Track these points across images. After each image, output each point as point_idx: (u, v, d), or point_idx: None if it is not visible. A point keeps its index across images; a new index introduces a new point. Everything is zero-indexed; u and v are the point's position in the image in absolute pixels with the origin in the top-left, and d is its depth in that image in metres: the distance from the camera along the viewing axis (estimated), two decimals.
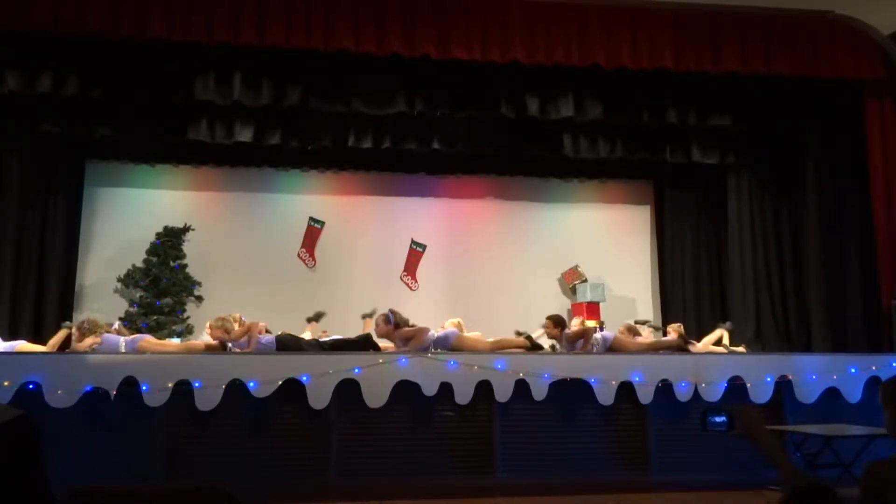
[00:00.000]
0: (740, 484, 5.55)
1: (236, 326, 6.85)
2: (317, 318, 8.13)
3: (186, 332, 9.10)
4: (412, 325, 6.87)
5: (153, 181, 9.89)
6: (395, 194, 10.32)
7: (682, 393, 6.41)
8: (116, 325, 7.72)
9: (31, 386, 5.64)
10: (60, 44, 6.99)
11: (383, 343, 7.01)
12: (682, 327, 8.35)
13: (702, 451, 6.16)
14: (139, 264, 9.30)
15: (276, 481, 5.88)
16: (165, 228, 9.46)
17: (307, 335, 7.54)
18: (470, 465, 6.20)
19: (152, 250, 9.35)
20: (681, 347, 7.44)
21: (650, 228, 10.81)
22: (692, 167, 9.31)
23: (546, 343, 7.54)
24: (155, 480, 5.76)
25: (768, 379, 6.54)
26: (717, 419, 2.12)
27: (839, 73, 7.72)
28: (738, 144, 9.07)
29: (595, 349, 7.17)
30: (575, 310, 9.91)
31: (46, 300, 8.74)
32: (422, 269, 10.20)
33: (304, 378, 5.95)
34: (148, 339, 6.90)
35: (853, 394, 6.62)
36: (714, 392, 6.45)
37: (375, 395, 6.00)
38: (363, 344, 6.81)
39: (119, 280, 9.27)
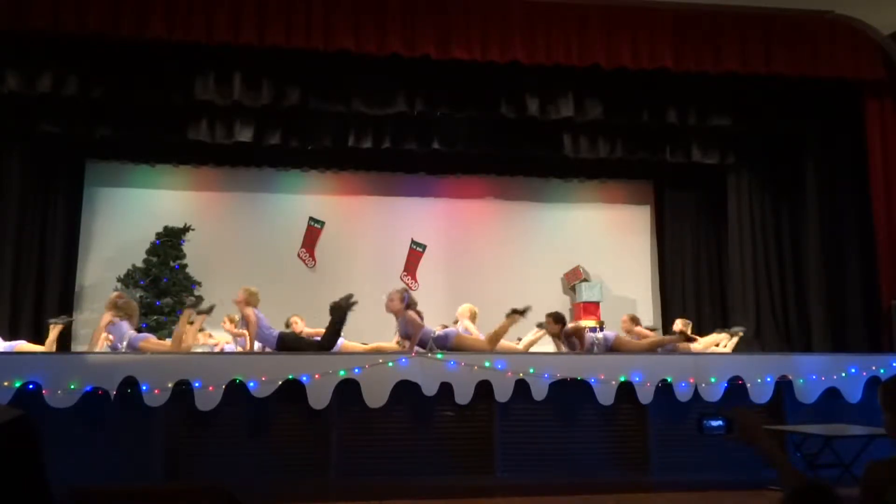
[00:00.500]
0: (740, 484, 5.55)
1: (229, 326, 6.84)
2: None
3: None
4: (420, 314, 6.87)
5: (153, 181, 9.89)
6: (395, 194, 10.32)
7: (682, 393, 6.41)
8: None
9: (31, 386, 5.64)
10: (60, 44, 6.99)
11: (354, 345, 7.04)
12: (690, 325, 8.37)
13: (702, 451, 6.16)
14: (139, 264, 9.30)
15: (276, 481, 5.87)
16: (165, 228, 9.46)
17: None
18: (470, 465, 6.20)
19: (152, 250, 9.35)
20: (686, 338, 7.47)
21: (650, 228, 10.81)
22: (692, 167, 9.32)
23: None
24: (155, 480, 5.76)
25: (768, 379, 6.54)
26: (714, 423, 2.12)
27: (839, 73, 7.72)
28: (738, 144, 9.07)
29: (595, 349, 7.17)
30: (576, 309, 9.91)
31: (46, 300, 8.74)
32: (422, 269, 10.21)
33: (304, 378, 5.95)
34: (150, 339, 6.90)
35: (853, 394, 6.62)
36: (714, 392, 6.45)
37: (375, 395, 6.00)
38: (321, 346, 6.79)
39: (119, 280, 9.26)
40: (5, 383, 5.58)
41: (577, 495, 5.61)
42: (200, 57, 7.25)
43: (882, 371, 6.68)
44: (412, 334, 6.57)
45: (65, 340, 8.60)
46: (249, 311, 6.68)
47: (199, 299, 7.40)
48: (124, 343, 6.66)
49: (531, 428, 6.30)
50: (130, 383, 5.77)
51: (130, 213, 9.66)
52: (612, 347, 7.21)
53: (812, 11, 7.68)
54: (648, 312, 10.40)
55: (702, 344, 8.27)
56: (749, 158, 9.35)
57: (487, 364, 6.24)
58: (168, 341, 7.67)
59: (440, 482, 5.87)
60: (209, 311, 7.14)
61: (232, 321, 7.92)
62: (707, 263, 10.33)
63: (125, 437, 5.79)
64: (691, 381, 6.43)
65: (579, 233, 10.57)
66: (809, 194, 8.57)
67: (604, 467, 6.31)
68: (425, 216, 10.34)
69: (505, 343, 7.44)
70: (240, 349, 7.61)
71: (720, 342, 8.53)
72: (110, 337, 6.84)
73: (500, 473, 6.19)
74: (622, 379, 6.35)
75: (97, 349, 6.87)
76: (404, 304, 6.72)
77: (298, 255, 10.03)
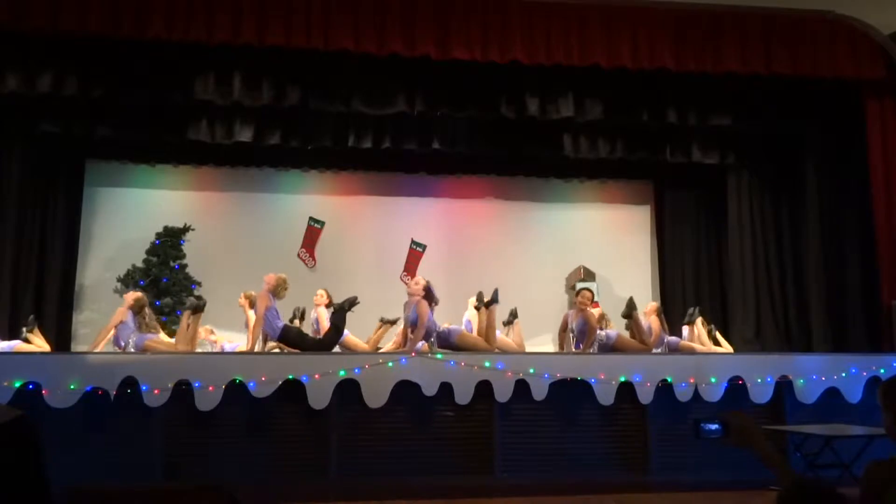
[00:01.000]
0: (740, 484, 5.55)
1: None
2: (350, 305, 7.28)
3: None
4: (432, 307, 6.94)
5: (153, 181, 9.89)
6: (395, 194, 10.31)
7: (682, 393, 6.41)
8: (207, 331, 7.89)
9: (31, 386, 5.64)
10: (60, 44, 6.99)
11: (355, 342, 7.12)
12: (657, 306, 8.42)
13: (702, 451, 6.16)
14: (139, 264, 9.29)
15: (276, 481, 5.88)
16: (165, 228, 9.45)
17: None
18: (470, 465, 6.20)
19: (152, 250, 9.34)
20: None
21: (650, 228, 10.81)
22: (692, 167, 9.31)
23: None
24: (155, 480, 5.76)
25: (768, 379, 6.55)
26: (711, 427, 2.12)
27: (839, 73, 7.72)
28: (738, 144, 9.07)
29: (596, 347, 7.18)
30: None
31: (46, 300, 8.73)
32: (422, 269, 10.19)
33: (304, 378, 5.95)
34: (154, 339, 6.90)
35: (853, 394, 6.62)
36: (714, 392, 6.46)
37: (375, 395, 6.01)
38: (321, 346, 6.80)
39: (119, 280, 9.26)
40: (5, 383, 5.58)
41: (577, 495, 5.61)
42: (200, 57, 7.24)
43: (882, 371, 6.69)
44: (419, 323, 6.58)
45: (65, 340, 8.62)
46: (256, 308, 6.73)
47: (199, 299, 7.40)
48: (126, 343, 6.67)
49: (531, 428, 6.31)
50: (130, 383, 5.77)
51: (130, 213, 9.65)
52: (613, 347, 7.21)
53: (812, 11, 7.68)
54: None
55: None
56: (749, 158, 9.35)
57: (487, 364, 6.24)
58: (169, 340, 7.68)
59: (440, 482, 5.87)
60: (201, 308, 7.22)
61: (248, 297, 7.85)
62: (707, 263, 10.32)
63: (125, 437, 5.79)
64: (691, 381, 6.43)
65: (579, 233, 10.56)
66: (809, 194, 8.57)
67: (604, 467, 6.32)
68: (425, 216, 10.33)
69: (504, 339, 7.47)
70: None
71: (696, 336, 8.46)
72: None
73: (500, 473, 6.20)
74: (622, 379, 6.35)
75: (101, 345, 6.87)
76: (426, 292, 6.84)
77: (298, 255, 10.03)
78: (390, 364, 6.11)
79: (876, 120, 7.92)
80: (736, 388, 6.51)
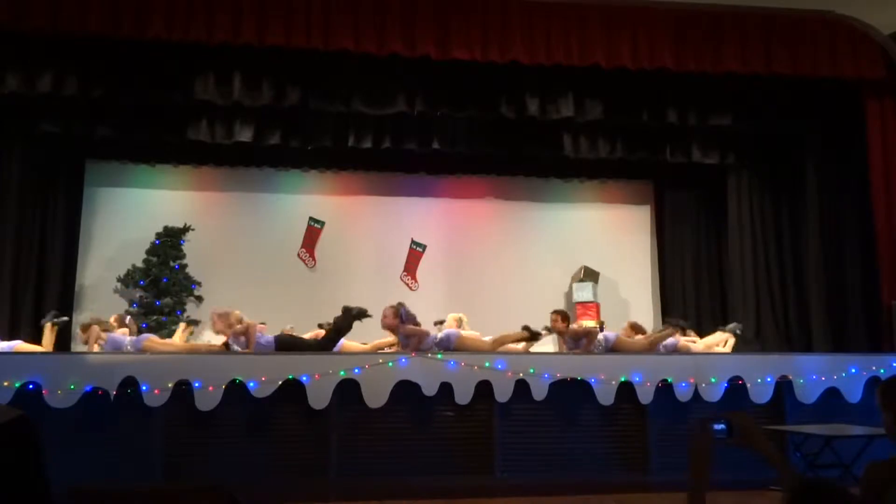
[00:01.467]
0: (740, 484, 5.55)
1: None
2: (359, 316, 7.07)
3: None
4: (418, 324, 6.86)
5: (153, 181, 9.89)
6: (395, 194, 10.31)
7: (682, 393, 6.42)
8: (128, 318, 7.75)
9: (31, 386, 5.64)
10: (60, 44, 6.99)
11: (354, 345, 7.00)
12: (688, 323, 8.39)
13: None
14: (139, 264, 9.29)
15: (276, 481, 5.88)
16: (165, 228, 9.46)
17: (308, 335, 7.52)
18: (470, 465, 6.20)
19: (152, 250, 9.35)
20: (683, 331, 7.49)
21: (650, 228, 10.80)
22: (692, 167, 9.31)
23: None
24: (155, 480, 5.77)
25: (768, 379, 6.54)
26: (717, 427, 2.12)
27: (839, 73, 7.72)
28: (738, 144, 9.07)
29: (597, 350, 7.17)
30: (579, 309, 9.90)
31: (46, 300, 8.73)
32: (422, 269, 10.20)
33: (304, 378, 5.95)
34: (152, 339, 6.91)
35: (853, 394, 6.62)
36: (714, 392, 6.46)
37: (375, 395, 6.01)
38: (355, 317, 6.76)
39: (119, 280, 9.26)
40: (5, 383, 5.58)
41: (577, 495, 5.61)
42: (200, 57, 7.25)
43: (882, 371, 6.69)
44: (414, 346, 6.57)
45: (65, 340, 8.60)
46: (245, 326, 6.69)
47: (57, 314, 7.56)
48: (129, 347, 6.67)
49: (531, 428, 6.31)
50: (130, 383, 5.77)
51: (130, 213, 9.65)
52: (612, 348, 7.21)
53: (812, 11, 7.68)
54: (648, 312, 10.39)
55: (703, 344, 8.26)
56: (749, 158, 9.35)
57: (487, 364, 6.24)
58: (170, 340, 7.69)
59: (440, 482, 5.87)
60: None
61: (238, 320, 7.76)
62: (707, 263, 10.32)
63: (125, 437, 5.79)
64: (691, 381, 6.43)
65: (579, 233, 10.56)
66: (809, 194, 8.56)
67: (604, 467, 6.32)
68: (425, 216, 10.33)
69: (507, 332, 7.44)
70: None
71: (722, 343, 8.49)
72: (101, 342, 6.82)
73: (500, 473, 6.20)
74: (622, 379, 6.36)
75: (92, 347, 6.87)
76: (399, 320, 6.71)
77: (298, 255, 10.03)
78: (390, 364, 6.11)
79: (876, 120, 7.92)
80: (736, 388, 6.51)
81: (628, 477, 6.27)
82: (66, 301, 9.00)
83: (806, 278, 8.70)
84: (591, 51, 7.36)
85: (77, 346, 8.81)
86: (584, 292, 9.91)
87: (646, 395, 6.36)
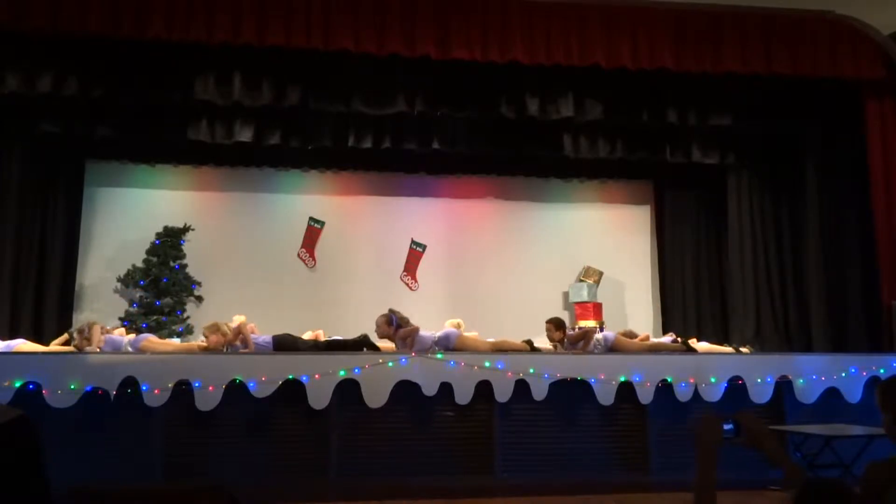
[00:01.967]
0: (740, 484, 5.54)
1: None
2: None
3: (186, 331, 9.10)
4: (411, 325, 6.87)
5: (153, 181, 9.89)
6: (395, 194, 10.31)
7: (682, 393, 6.42)
8: (120, 330, 7.71)
9: (31, 386, 5.64)
10: (60, 44, 6.99)
11: (383, 344, 7.00)
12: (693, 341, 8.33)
13: None
14: (139, 264, 9.29)
15: (276, 481, 5.88)
16: (165, 228, 9.46)
17: (307, 335, 7.52)
18: (470, 465, 6.21)
19: (152, 250, 9.34)
20: (688, 347, 7.44)
21: (650, 228, 10.81)
22: (692, 167, 9.31)
23: (547, 346, 7.53)
24: (155, 480, 5.77)
25: (768, 379, 6.54)
26: (725, 426, 2.12)
27: (839, 73, 7.72)
28: (738, 144, 9.07)
29: (596, 350, 7.17)
30: (578, 308, 9.90)
31: (46, 300, 8.74)
32: (422, 269, 10.20)
33: (304, 378, 5.95)
34: (151, 339, 6.90)
35: (853, 394, 6.62)
36: (714, 392, 6.46)
37: (375, 395, 6.01)
38: (360, 345, 6.80)
39: (119, 280, 9.26)
40: (5, 383, 5.58)
41: (577, 495, 5.61)
42: (200, 57, 7.24)
43: (882, 371, 6.69)
44: (410, 344, 6.58)
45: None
46: (237, 329, 6.69)
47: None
48: (127, 348, 6.67)
49: (531, 428, 6.31)
50: (130, 383, 5.77)
51: (130, 213, 9.65)
52: (612, 348, 7.21)
53: (812, 11, 7.68)
54: (648, 312, 10.40)
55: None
56: (749, 158, 9.35)
57: (487, 364, 6.24)
58: (170, 341, 7.68)
59: (440, 482, 5.87)
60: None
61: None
62: (707, 263, 10.32)
63: (125, 437, 5.79)
64: (691, 381, 6.43)
65: (579, 233, 10.56)
66: (809, 194, 8.56)
67: (604, 467, 6.32)
68: (425, 216, 10.33)
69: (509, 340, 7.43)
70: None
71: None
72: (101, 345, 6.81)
73: (500, 473, 6.20)
74: (622, 379, 6.36)
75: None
76: (393, 328, 6.74)
77: (298, 255, 10.03)
78: (390, 364, 6.12)
79: (876, 120, 7.92)
80: (736, 388, 6.51)
81: (628, 477, 6.27)
82: (66, 301, 9.01)
83: (806, 278, 8.71)
84: (591, 51, 7.36)
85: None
86: (582, 292, 9.91)
87: (646, 394, 6.37)
